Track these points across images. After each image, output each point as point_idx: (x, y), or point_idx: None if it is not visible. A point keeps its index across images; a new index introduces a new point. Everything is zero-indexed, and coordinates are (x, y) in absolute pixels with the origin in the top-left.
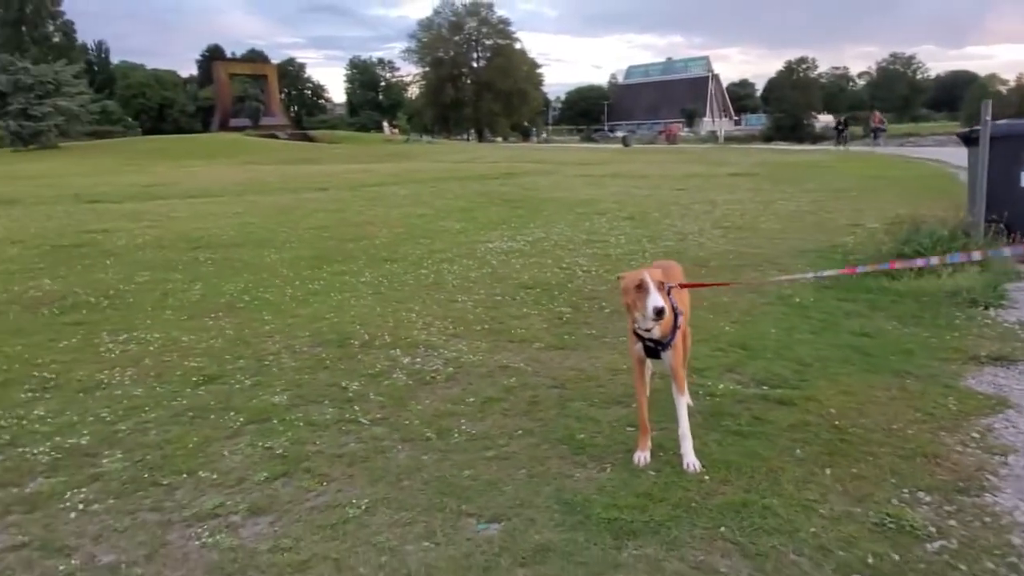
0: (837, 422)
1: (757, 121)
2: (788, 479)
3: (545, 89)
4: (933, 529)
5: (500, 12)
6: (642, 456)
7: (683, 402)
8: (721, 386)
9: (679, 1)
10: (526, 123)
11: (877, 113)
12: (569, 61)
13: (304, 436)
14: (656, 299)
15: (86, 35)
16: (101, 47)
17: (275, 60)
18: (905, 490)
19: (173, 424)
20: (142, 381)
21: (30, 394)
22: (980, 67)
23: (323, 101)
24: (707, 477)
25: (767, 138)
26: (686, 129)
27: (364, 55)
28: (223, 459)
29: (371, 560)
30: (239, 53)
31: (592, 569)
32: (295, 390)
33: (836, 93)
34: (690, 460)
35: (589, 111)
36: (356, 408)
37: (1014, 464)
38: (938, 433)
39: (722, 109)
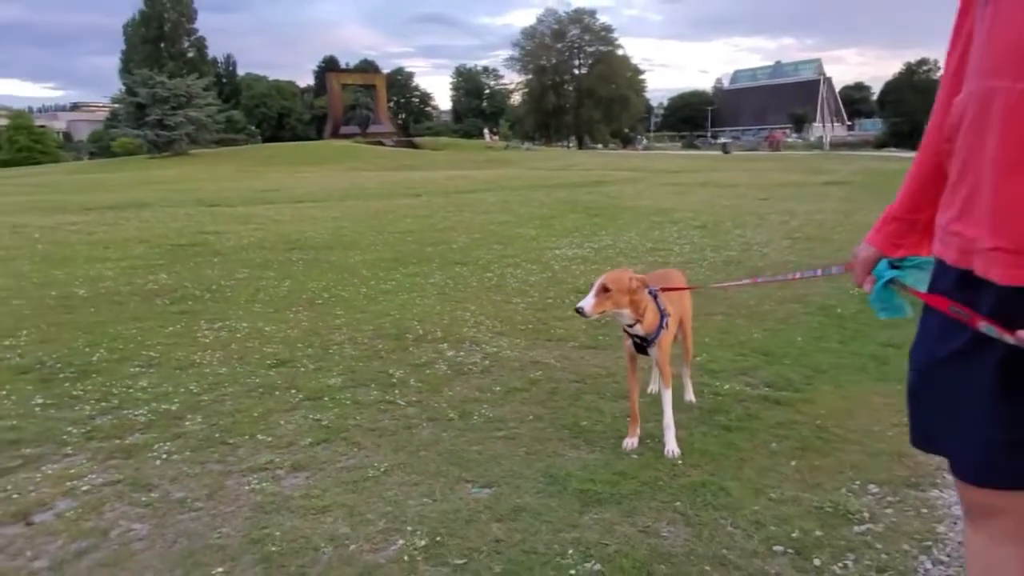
0: (820, 422)
1: (872, 126)
2: (752, 467)
3: (649, 95)
4: (867, 514)
5: (603, 19)
6: (630, 442)
7: (668, 395)
8: (727, 387)
9: (790, 2)
10: (627, 130)
11: None
12: (674, 66)
13: (348, 412)
14: (583, 301)
15: (216, 50)
16: (229, 60)
17: (385, 69)
18: (857, 482)
19: (245, 397)
20: (227, 362)
21: (138, 369)
22: None
23: (430, 108)
24: (680, 462)
25: (880, 144)
26: (794, 135)
27: (469, 63)
28: (279, 427)
29: (378, 509)
30: (352, 63)
31: (554, 527)
32: (349, 375)
33: None
34: (671, 447)
35: (692, 117)
36: (396, 392)
37: None
38: None
39: (834, 114)
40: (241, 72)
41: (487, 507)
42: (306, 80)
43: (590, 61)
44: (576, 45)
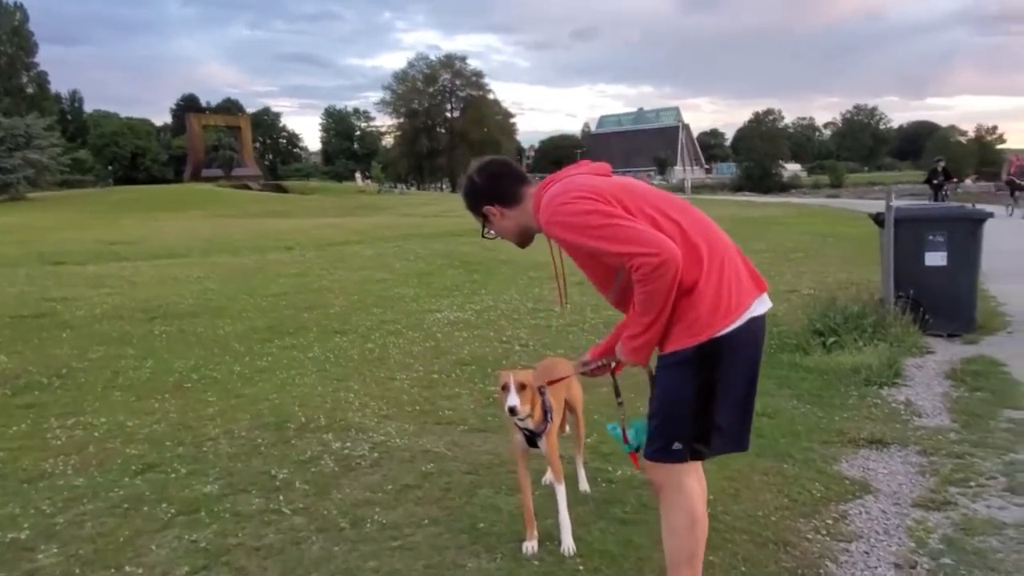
0: (710, 509)
1: (728, 169)
2: (651, 567)
3: (520, 138)
4: None
5: (473, 64)
6: (529, 546)
7: (561, 490)
8: (619, 472)
9: (649, 52)
10: None
11: (1013, 158)
12: (543, 110)
13: (228, 528)
14: (510, 399)
15: (60, 84)
16: (75, 96)
17: (250, 108)
18: None
19: (108, 516)
20: (84, 470)
21: None
22: (940, 117)
23: (298, 150)
24: (581, 567)
25: (737, 187)
26: (658, 177)
27: (339, 104)
28: (150, 553)
29: None
30: (214, 102)
31: None
32: (227, 479)
33: (803, 143)
34: (567, 545)
35: (562, 159)
36: (281, 498)
37: (854, 551)
38: (797, 520)
39: (693, 158)
40: (89, 109)
41: None
42: (163, 118)
43: (462, 105)
44: (448, 89)
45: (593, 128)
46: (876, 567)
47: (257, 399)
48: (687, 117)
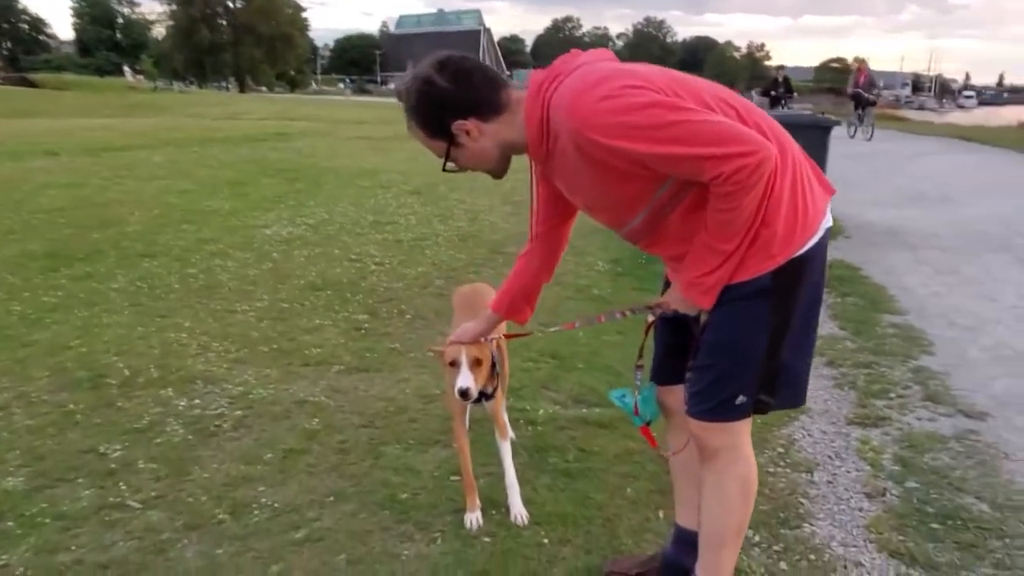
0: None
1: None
2: (625, 529)
3: (312, 35)
4: (763, 572)
5: None
6: (473, 518)
7: (507, 448)
8: (540, 411)
9: None
10: (293, 72)
11: (864, 67)
12: (336, 5)
13: (54, 540)
14: (462, 380)
15: None
16: None
17: None
18: None
19: None
20: None
21: None
22: (718, 33)
23: (45, 38)
24: (546, 540)
25: None
26: None
27: None
28: None
29: None
30: None
31: None
32: (36, 465)
33: None
34: (517, 511)
35: (360, 60)
36: (122, 485)
37: (818, 481)
38: None
39: (495, 63)
40: None
41: None
42: None
43: None
44: None
45: (392, 28)
46: (848, 498)
47: (55, 348)
48: (488, 21)
